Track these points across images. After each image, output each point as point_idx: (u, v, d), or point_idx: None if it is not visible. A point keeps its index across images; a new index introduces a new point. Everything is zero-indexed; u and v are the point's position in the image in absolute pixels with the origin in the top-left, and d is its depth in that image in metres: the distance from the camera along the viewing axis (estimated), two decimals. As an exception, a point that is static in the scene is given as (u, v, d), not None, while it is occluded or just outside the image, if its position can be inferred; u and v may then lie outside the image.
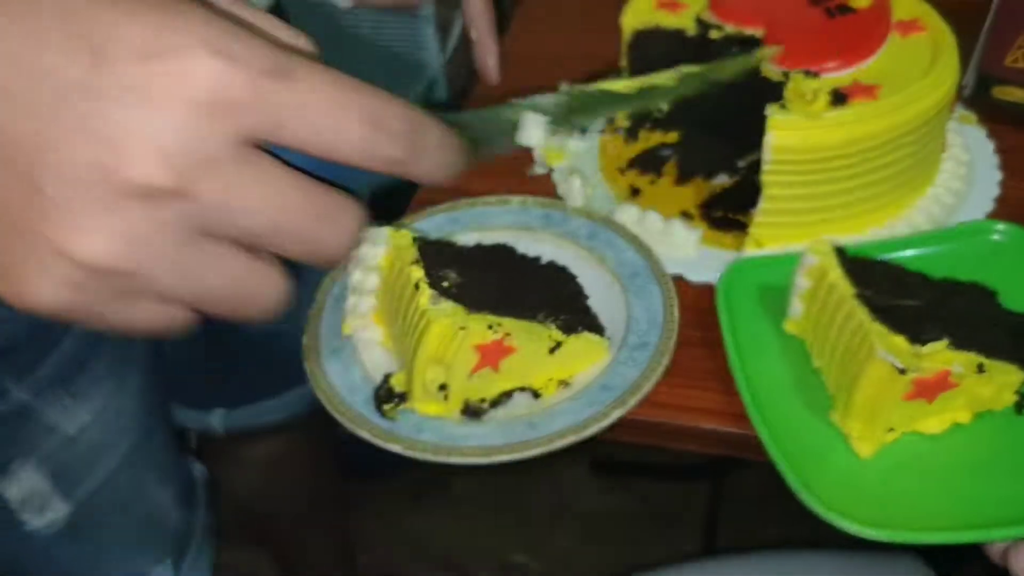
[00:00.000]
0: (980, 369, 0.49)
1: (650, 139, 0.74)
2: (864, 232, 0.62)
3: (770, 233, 0.62)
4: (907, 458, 0.50)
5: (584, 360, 0.57)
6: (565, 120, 0.49)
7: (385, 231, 0.57)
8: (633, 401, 0.54)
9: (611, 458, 1.58)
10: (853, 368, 0.50)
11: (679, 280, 0.63)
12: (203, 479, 0.88)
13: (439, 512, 1.56)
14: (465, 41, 1.31)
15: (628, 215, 0.65)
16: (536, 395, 0.56)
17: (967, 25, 0.71)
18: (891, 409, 0.49)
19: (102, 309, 0.30)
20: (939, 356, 0.49)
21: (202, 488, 0.87)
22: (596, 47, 0.86)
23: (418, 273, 0.54)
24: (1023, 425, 0.51)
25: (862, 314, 0.50)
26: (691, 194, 0.69)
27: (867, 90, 0.60)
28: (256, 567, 1.43)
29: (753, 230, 0.62)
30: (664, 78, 0.57)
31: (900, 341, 0.49)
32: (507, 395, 0.56)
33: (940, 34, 0.64)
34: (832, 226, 0.62)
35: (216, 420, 0.98)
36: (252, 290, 0.32)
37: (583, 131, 0.53)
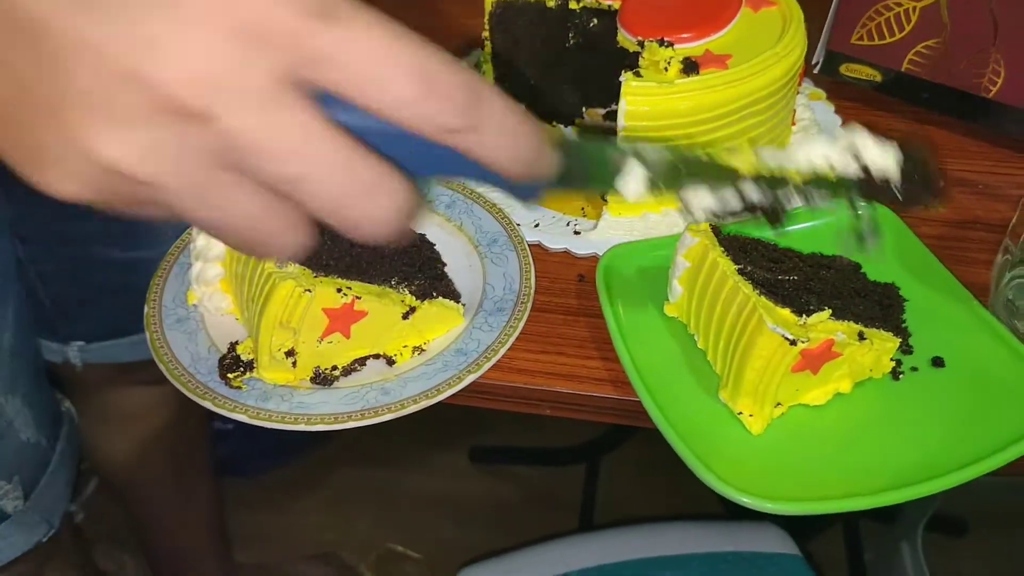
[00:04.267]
0: (861, 337, 0.51)
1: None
2: (717, 200, 0.64)
3: (626, 201, 0.62)
4: (795, 430, 0.51)
5: (439, 326, 0.56)
6: (666, 180, 0.42)
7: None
8: (488, 365, 0.53)
9: (488, 446, 1.58)
10: (741, 344, 0.50)
11: (538, 247, 0.63)
12: (69, 418, 0.86)
13: (318, 505, 1.53)
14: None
15: (488, 184, 0.65)
16: (390, 362, 0.55)
17: (819, 3, 0.74)
18: (779, 383, 0.49)
19: (122, 207, 0.30)
20: (824, 326, 0.50)
21: (68, 425, 0.85)
22: (458, 19, 0.85)
23: (264, 236, 0.52)
24: (899, 390, 0.53)
25: (747, 289, 0.50)
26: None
27: (718, 60, 0.61)
28: (125, 564, 1.37)
29: (610, 198, 0.63)
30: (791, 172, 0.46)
31: (787, 313, 0.49)
32: (360, 362, 0.54)
33: (789, 8, 0.66)
34: (686, 194, 0.63)
35: (74, 353, 0.95)
36: (267, 234, 0.30)
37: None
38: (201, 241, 0.55)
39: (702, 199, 0.43)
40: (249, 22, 0.27)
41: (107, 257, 0.88)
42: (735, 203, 0.44)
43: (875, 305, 0.55)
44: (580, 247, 0.63)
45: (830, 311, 0.50)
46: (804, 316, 0.50)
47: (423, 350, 0.55)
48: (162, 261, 0.59)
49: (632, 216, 0.63)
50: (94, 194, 0.29)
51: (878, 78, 0.73)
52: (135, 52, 0.27)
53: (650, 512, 1.31)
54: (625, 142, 0.42)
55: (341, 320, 0.52)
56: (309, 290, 0.50)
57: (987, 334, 0.55)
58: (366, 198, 0.29)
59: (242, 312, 0.55)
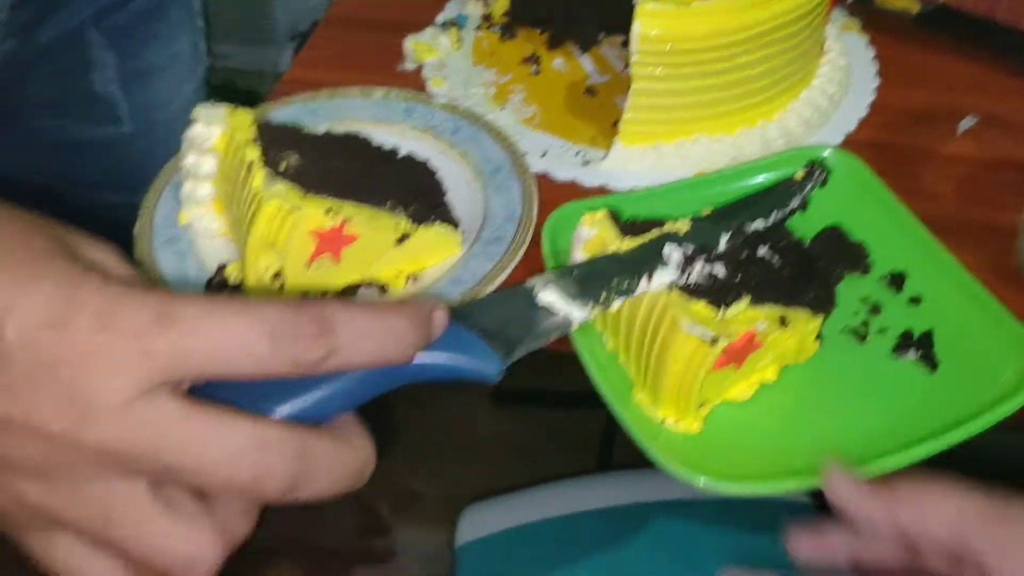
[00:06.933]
0: (783, 322, 0.46)
1: (529, 36, 0.71)
2: (734, 131, 0.61)
3: (638, 130, 0.60)
4: (724, 427, 0.46)
5: (435, 253, 0.54)
6: (584, 292, 0.43)
7: (222, 110, 0.53)
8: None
9: (510, 386, 1.57)
10: (655, 348, 0.44)
11: (544, 178, 0.60)
12: None
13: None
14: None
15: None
16: (383, 290, 0.53)
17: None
18: (701, 385, 0.44)
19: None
20: (744, 316, 0.45)
21: None
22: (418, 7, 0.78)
23: (253, 153, 0.50)
24: (829, 368, 0.49)
25: None
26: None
27: (741, -19, 0.58)
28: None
29: (622, 126, 0.60)
30: (676, 226, 0.48)
31: (701, 308, 0.44)
32: (351, 290, 0.53)
33: (821, -71, 0.62)
34: (702, 124, 0.60)
35: None
36: None
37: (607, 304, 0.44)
38: (191, 159, 0.53)
39: (659, 278, 0.45)
40: (92, 352, 0.30)
41: None
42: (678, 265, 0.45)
43: (791, 277, 0.49)
44: (588, 178, 0.60)
45: (749, 298, 0.45)
46: (722, 308, 0.44)
47: (418, 278, 0.53)
48: (157, 177, 0.57)
49: (644, 146, 0.60)
50: None
51: (916, 9, 0.69)
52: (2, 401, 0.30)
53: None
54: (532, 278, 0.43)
55: (330, 243, 0.50)
56: (297, 209, 0.48)
57: (963, 293, 0.50)
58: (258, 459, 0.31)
59: (233, 233, 0.54)
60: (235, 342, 0.31)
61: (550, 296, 0.42)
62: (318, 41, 0.73)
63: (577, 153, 0.62)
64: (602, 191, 0.59)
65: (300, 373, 0.32)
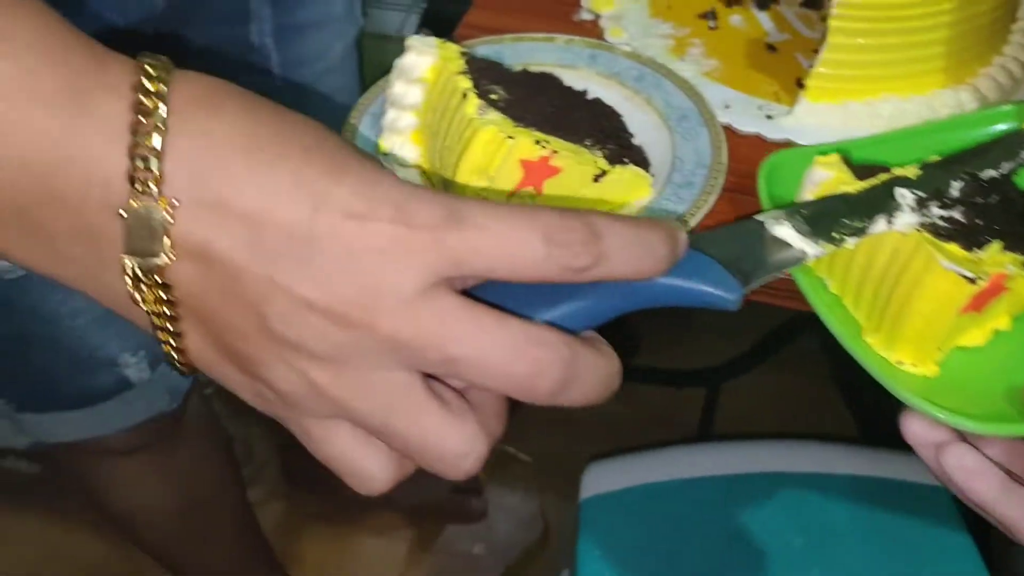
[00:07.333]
0: None
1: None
2: (926, 92, 0.60)
3: (826, 87, 0.59)
4: (959, 371, 0.45)
5: (627, 194, 0.54)
6: (815, 230, 0.44)
7: (433, 40, 0.54)
8: (678, 235, 0.52)
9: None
10: (902, 286, 0.44)
11: (728, 130, 0.60)
12: None
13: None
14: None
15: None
16: (576, 225, 0.54)
17: None
18: (948, 327, 0.44)
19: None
20: (995, 259, 0.44)
21: None
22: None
23: (466, 83, 0.51)
24: None
25: None
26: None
27: (948, -62, 0.57)
28: (252, 433, 1.41)
29: (810, 82, 0.60)
30: (906, 171, 0.48)
31: (955, 248, 0.44)
32: (546, 223, 0.53)
33: None
34: (893, 83, 0.59)
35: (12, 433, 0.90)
36: (357, 470, 0.35)
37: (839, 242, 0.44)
38: (399, 87, 0.55)
39: (899, 219, 0.45)
40: (391, 243, 0.31)
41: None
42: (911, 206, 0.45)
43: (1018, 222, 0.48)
44: (772, 132, 0.60)
45: (1002, 242, 0.45)
46: (975, 249, 0.44)
47: (609, 217, 0.54)
48: (356, 104, 0.59)
49: (831, 103, 0.60)
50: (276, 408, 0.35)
51: (1111, -20, 0.67)
52: (302, 290, 0.31)
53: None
54: (764, 214, 0.45)
55: (535, 174, 0.51)
56: (511, 137, 0.49)
57: None
58: (525, 353, 0.32)
59: (432, 164, 0.55)
60: (515, 243, 0.32)
61: (783, 231, 0.43)
62: (492, -11, 0.74)
63: (759, 107, 0.62)
64: (787, 145, 0.59)
65: (566, 279, 0.33)
